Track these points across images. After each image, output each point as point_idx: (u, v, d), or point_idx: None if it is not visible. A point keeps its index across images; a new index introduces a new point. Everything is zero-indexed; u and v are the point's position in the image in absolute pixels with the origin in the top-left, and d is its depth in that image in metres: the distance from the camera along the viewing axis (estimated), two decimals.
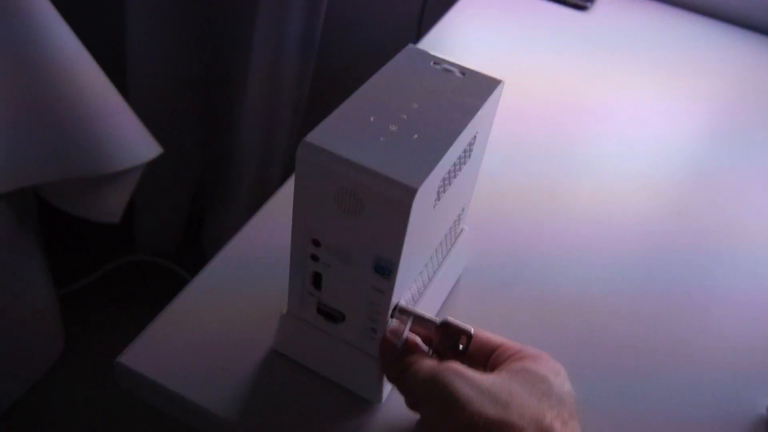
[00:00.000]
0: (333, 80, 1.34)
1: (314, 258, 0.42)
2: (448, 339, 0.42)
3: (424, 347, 0.43)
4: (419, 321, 0.43)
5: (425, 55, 0.46)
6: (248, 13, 1.02)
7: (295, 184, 0.39)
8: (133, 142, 0.89)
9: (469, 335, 0.42)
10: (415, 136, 0.39)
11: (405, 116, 0.40)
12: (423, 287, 0.48)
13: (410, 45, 0.47)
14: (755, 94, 0.93)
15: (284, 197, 0.62)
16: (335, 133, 0.38)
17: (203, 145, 1.27)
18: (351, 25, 1.30)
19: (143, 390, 0.48)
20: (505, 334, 0.43)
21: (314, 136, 0.37)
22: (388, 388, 0.47)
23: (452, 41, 0.91)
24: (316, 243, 0.41)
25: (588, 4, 1.03)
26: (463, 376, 0.38)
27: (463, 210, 0.52)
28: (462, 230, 0.55)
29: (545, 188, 0.70)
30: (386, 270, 0.39)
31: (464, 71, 0.45)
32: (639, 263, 0.64)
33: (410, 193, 0.35)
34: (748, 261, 0.67)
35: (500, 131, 0.73)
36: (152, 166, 0.94)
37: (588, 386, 0.51)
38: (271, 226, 0.59)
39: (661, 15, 1.06)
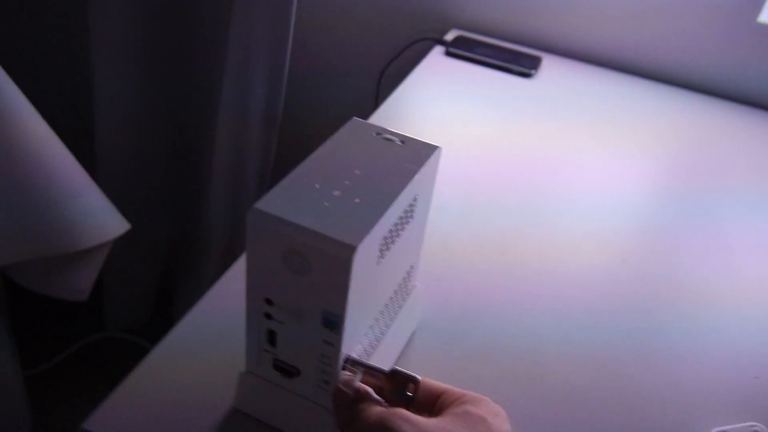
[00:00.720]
0: (297, 151, 1.39)
1: (268, 316, 0.45)
2: (398, 387, 0.45)
3: (376, 396, 0.46)
4: (369, 372, 0.45)
5: (368, 127, 0.50)
6: (213, 89, 1.07)
7: (247, 248, 0.42)
8: (101, 219, 0.92)
9: (416, 382, 0.44)
10: (357, 199, 0.42)
11: (348, 182, 0.44)
12: (376, 342, 0.51)
13: (354, 118, 0.51)
14: (694, 150, 0.99)
15: (244, 265, 0.64)
16: (283, 200, 0.41)
17: (171, 219, 1.29)
18: (313, 100, 1.37)
19: None
20: (458, 387, 0.46)
21: (263, 203, 0.41)
22: None
23: (406, 110, 0.97)
24: (269, 302, 0.44)
25: (532, 72, 1.10)
26: (409, 421, 0.40)
27: (412, 267, 0.55)
28: (414, 287, 0.58)
29: (496, 245, 0.74)
30: (334, 323, 0.42)
31: (404, 140, 0.49)
32: (586, 313, 0.68)
33: (350, 250, 0.39)
34: (690, 307, 0.71)
35: (452, 191, 0.78)
36: (120, 242, 0.96)
37: None
38: (233, 292, 0.61)
39: (601, 78, 1.14)
